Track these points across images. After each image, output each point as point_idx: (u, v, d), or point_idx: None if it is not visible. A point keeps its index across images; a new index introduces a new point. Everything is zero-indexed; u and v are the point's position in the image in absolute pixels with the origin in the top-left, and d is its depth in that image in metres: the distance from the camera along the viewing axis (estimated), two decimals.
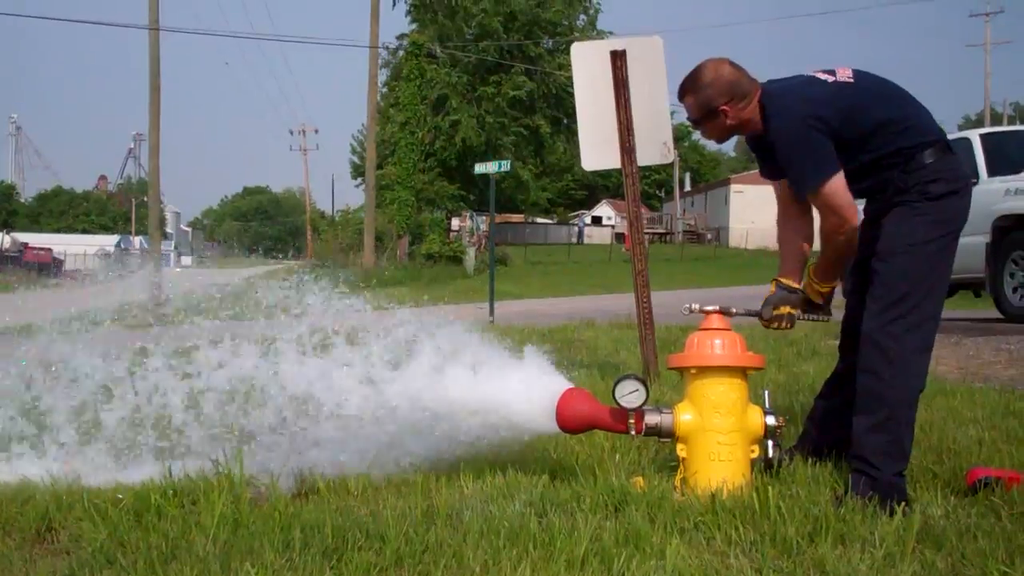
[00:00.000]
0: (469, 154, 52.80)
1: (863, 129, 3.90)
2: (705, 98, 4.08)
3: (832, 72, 4.03)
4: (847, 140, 3.90)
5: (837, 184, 3.87)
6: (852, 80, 3.99)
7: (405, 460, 4.44)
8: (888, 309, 3.83)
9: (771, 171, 4.22)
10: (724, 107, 4.04)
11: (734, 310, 4.22)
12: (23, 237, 72.95)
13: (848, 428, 4.00)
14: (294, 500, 4.01)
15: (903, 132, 3.91)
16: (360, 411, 4.38)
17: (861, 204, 4.14)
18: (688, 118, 4.25)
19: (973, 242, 11.27)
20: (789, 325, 4.26)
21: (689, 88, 4.14)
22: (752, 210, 65.26)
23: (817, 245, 4.22)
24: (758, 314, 4.27)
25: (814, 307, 4.31)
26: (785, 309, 4.23)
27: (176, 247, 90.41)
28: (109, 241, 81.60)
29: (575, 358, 8.98)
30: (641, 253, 7.34)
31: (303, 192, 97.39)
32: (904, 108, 3.98)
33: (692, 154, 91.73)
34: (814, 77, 4.05)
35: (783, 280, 4.25)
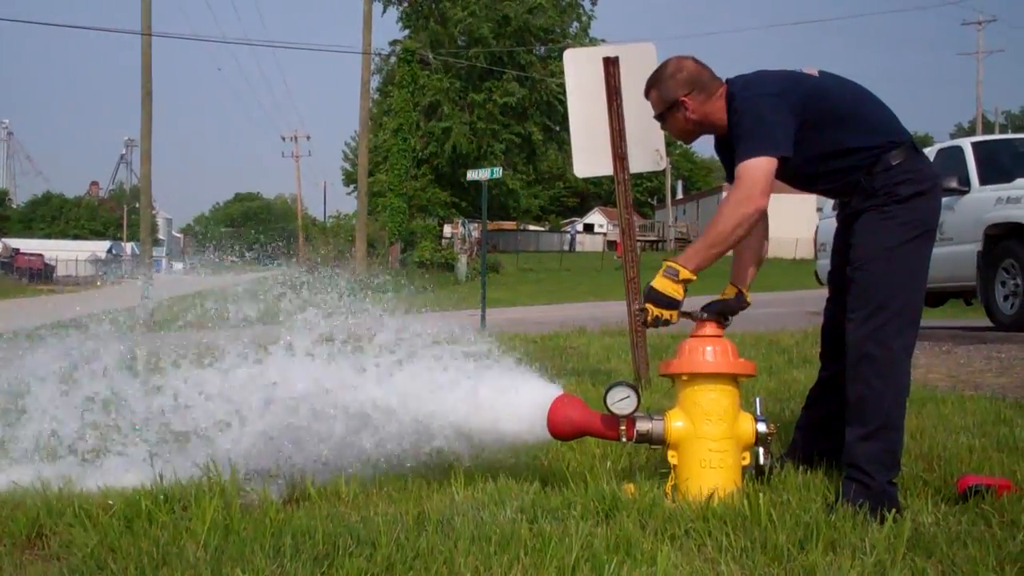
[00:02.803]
0: (461, 161, 52.85)
1: (823, 120, 3.89)
2: (666, 90, 4.11)
3: (799, 70, 4.09)
4: (809, 123, 3.88)
5: (766, 167, 3.75)
6: (817, 76, 4.05)
7: (394, 465, 4.44)
8: (871, 317, 3.83)
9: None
10: (684, 98, 4.06)
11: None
12: (14, 243, 72.82)
13: (836, 437, 4.00)
14: (285, 506, 4.01)
15: (865, 130, 3.92)
16: (349, 417, 4.37)
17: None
18: (654, 116, 4.25)
19: (964, 250, 11.31)
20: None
21: (652, 82, 4.18)
22: None
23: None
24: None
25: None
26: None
27: (168, 253, 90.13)
28: (101, 247, 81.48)
29: (566, 365, 8.99)
30: (633, 260, 7.35)
31: (295, 199, 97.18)
32: (865, 106, 4.01)
33: (684, 162, 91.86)
34: (780, 70, 4.09)
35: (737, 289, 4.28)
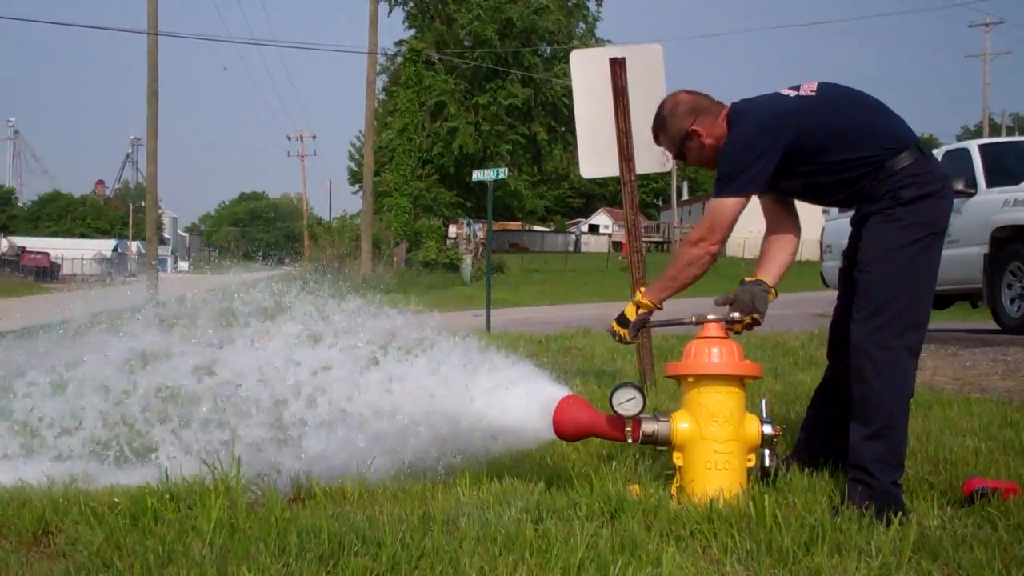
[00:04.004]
0: (466, 161, 52.88)
1: (820, 139, 3.96)
2: (674, 127, 4.24)
3: (796, 87, 4.11)
4: (805, 151, 3.96)
5: (732, 208, 4.00)
6: (814, 94, 4.06)
7: (400, 466, 4.44)
8: (872, 317, 3.84)
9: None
10: (694, 127, 4.17)
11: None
12: (20, 241, 72.94)
13: (841, 437, 4.01)
14: (291, 505, 4.01)
15: (864, 140, 3.93)
16: (356, 417, 4.38)
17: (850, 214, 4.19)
18: (672, 157, 4.41)
19: (971, 253, 11.28)
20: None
21: (657, 127, 4.33)
22: (749, 219, 64.26)
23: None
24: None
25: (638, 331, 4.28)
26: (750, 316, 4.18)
27: (173, 252, 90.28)
28: (106, 246, 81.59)
29: (572, 366, 8.99)
30: (639, 260, 7.34)
31: (300, 198, 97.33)
32: (866, 117, 4.01)
33: None
34: (777, 94, 4.14)
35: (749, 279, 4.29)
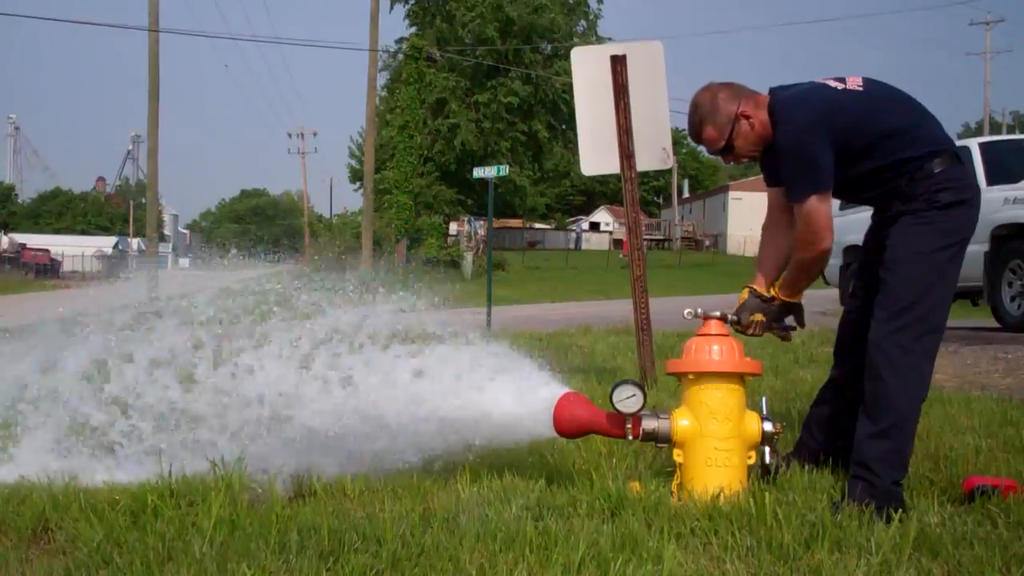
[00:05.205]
0: (468, 159, 52.89)
1: (869, 138, 3.92)
2: (723, 112, 4.07)
3: (842, 80, 4.05)
4: (853, 148, 3.92)
5: (822, 202, 3.92)
6: (861, 88, 4.01)
7: (401, 463, 4.43)
8: (894, 318, 3.83)
9: (774, 179, 4.22)
10: (742, 109, 4.05)
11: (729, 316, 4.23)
12: (21, 238, 72.91)
13: (844, 436, 4.01)
14: (291, 502, 4.00)
15: (910, 141, 3.91)
16: (356, 414, 4.37)
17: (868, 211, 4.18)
18: (719, 152, 4.18)
19: (971, 251, 11.17)
20: (759, 332, 4.30)
21: (702, 120, 4.12)
22: (750, 217, 65.30)
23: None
24: (736, 320, 4.26)
25: (782, 320, 4.30)
26: (758, 316, 4.26)
27: (174, 249, 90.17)
28: (107, 243, 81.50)
29: (572, 363, 8.98)
30: (640, 258, 7.34)
31: (301, 195, 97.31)
32: (912, 118, 4.00)
33: (691, 161, 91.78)
34: (824, 84, 4.06)
35: (756, 287, 4.30)
